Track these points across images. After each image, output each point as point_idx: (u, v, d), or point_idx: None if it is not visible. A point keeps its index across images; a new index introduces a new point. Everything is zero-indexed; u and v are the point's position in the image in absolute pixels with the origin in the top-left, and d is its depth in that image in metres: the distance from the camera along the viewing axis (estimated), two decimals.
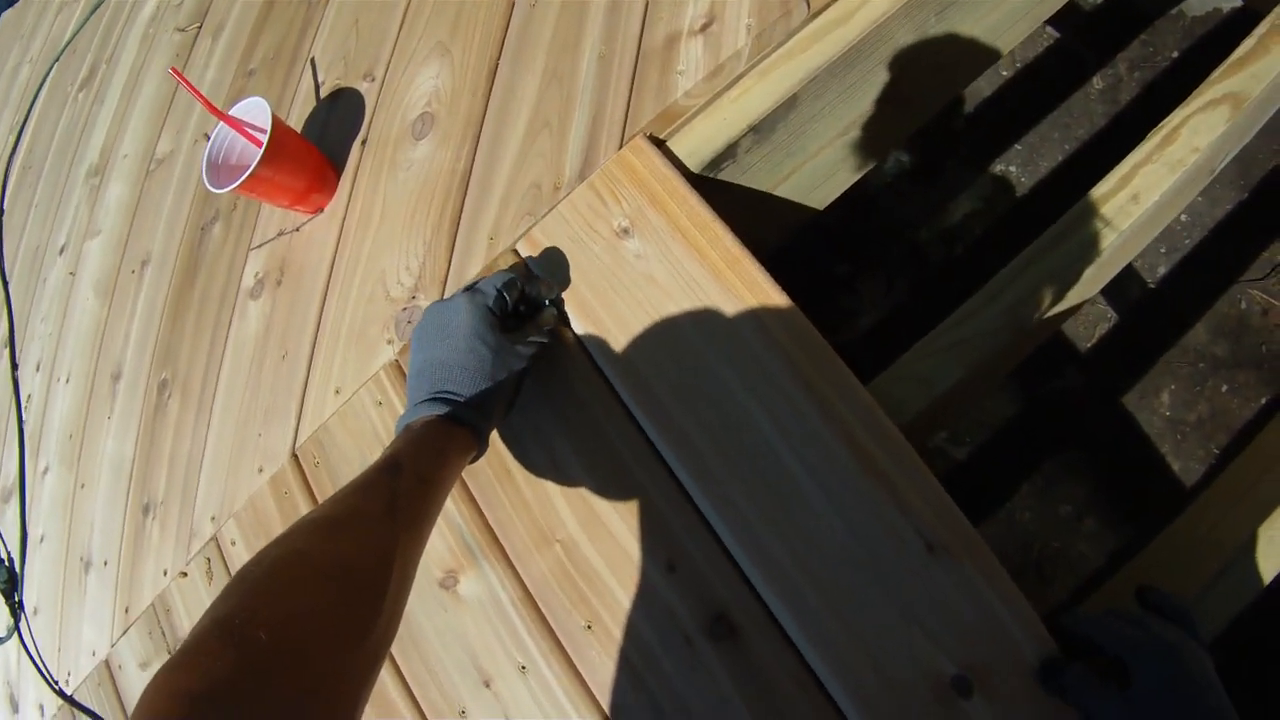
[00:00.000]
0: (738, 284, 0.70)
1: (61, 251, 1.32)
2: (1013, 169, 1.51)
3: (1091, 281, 0.72)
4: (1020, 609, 0.57)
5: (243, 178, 0.84)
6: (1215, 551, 0.73)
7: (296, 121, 1.00)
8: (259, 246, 0.96)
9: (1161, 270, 1.37)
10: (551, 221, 0.77)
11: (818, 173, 0.90)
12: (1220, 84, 0.72)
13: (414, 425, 0.59)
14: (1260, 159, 1.34)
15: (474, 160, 0.84)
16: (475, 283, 0.68)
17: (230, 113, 0.90)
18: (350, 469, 0.80)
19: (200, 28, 1.21)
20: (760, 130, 0.78)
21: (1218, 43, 1.42)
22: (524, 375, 0.66)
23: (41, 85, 1.55)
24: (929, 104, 0.93)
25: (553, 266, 0.75)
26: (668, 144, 0.79)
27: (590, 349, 0.72)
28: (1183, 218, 1.36)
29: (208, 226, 1.04)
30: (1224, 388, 1.30)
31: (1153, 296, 1.38)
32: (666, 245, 0.72)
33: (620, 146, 0.77)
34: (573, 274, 0.75)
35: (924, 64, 0.90)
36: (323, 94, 1.00)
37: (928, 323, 1.47)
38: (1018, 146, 1.52)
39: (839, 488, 0.61)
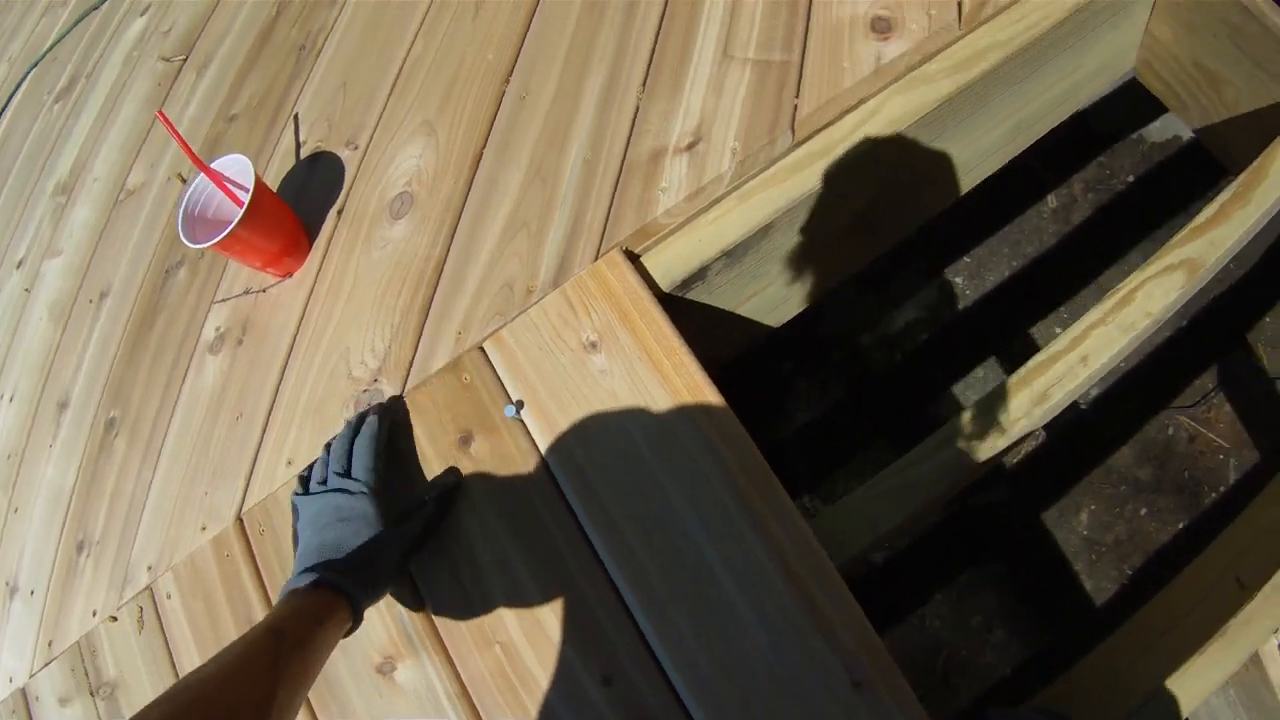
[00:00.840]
0: (699, 413, 0.68)
1: (19, 265, 1.25)
2: (959, 280, 1.50)
3: (1036, 425, 0.72)
4: None
5: (220, 236, 0.80)
6: (1124, 698, 0.74)
7: (274, 178, 0.96)
8: (223, 301, 0.92)
9: (1094, 392, 1.37)
10: (521, 326, 0.75)
11: (779, 294, 0.89)
12: (1180, 249, 0.72)
13: (299, 591, 0.60)
14: (1206, 287, 1.35)
15: (449, 250, 0.81)
16: (347, 467, 0.69)
17: (212, 165, 0.86)
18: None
19: (186, 60, 1.16)
20: (733, 255, 0.77)
21: (1173, 171, 1.43)
22: (410, 555, 0.67)
23: (17, 88, 1.47)
24: (897, 231, 0.92)
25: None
26: (643, 259, 0.77)
27: (547, 458, 0.70)
28: None
29: (172, 270, 0.99)
30: (1143, 511, 1.30)
31: (1082, 416, 1.37)
32: (632, 365, 0.70)
33: (596, 257, 0.75)
34: (538, 381, 0.72)
35: (898, 196, 0.89)
36: (303, 153, 0.96)
37: (863, 426, 1.45)
38: (966, 259, 1.51)
39: (775, 618, 0.61)
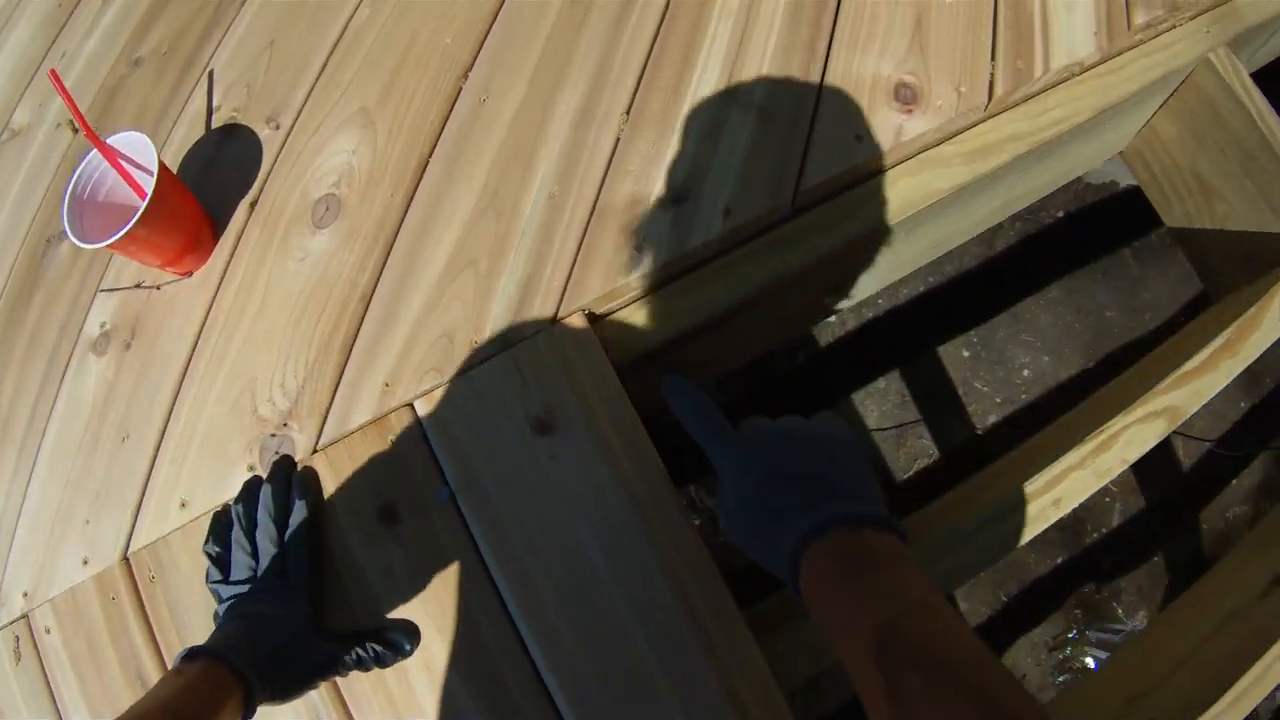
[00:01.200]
0: (655, 519, 0.60)
1: None
2: (879, 299, 1.45)
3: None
4: None
5: (114, 238, 0.65)
6: None
7: (178, 148, 0.79)
8: (110, 291, 0.77)
9: (992, 418, 1.35)
10: (461, 388, 0.64)
11: (736, 353, 0.81)
12: (1165, 396, 0.67)
13: (195, 664, 0.51)
14: (1114, 331, 1.33)
15: (380, 278, 0.69)
16: (280, 565, 0.60)
17: (109, 141, 0.70)
18: (191, 598, 0.67)
19: None
20: (706, 329, 0.68)
21: (1105, 214, 1.40)
22: (326, 678, 0.60)
23: None
24: (858, 293, 0.85)
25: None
26: (605, 322, 0.67)
27: (482, 550, 0.62)
28: (1025, 373, 1.35)
29: (55, 241, 0.82)
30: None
31: (977, 442, 1.35)
32: (586, 455, 0.62)
33: (555, 316, 0.65)
34: (477, 458, 0.63)
35: (872, 266, 0.81)
36: (214, 122, 0.79)
37: None
38: None
39: None
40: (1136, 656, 0.72)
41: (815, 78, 0.69)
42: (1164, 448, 1.31)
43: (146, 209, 0.65)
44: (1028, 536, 0.66)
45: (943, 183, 0.69)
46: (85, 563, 0.71)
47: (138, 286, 0.76)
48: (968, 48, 0.71)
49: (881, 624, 0.37)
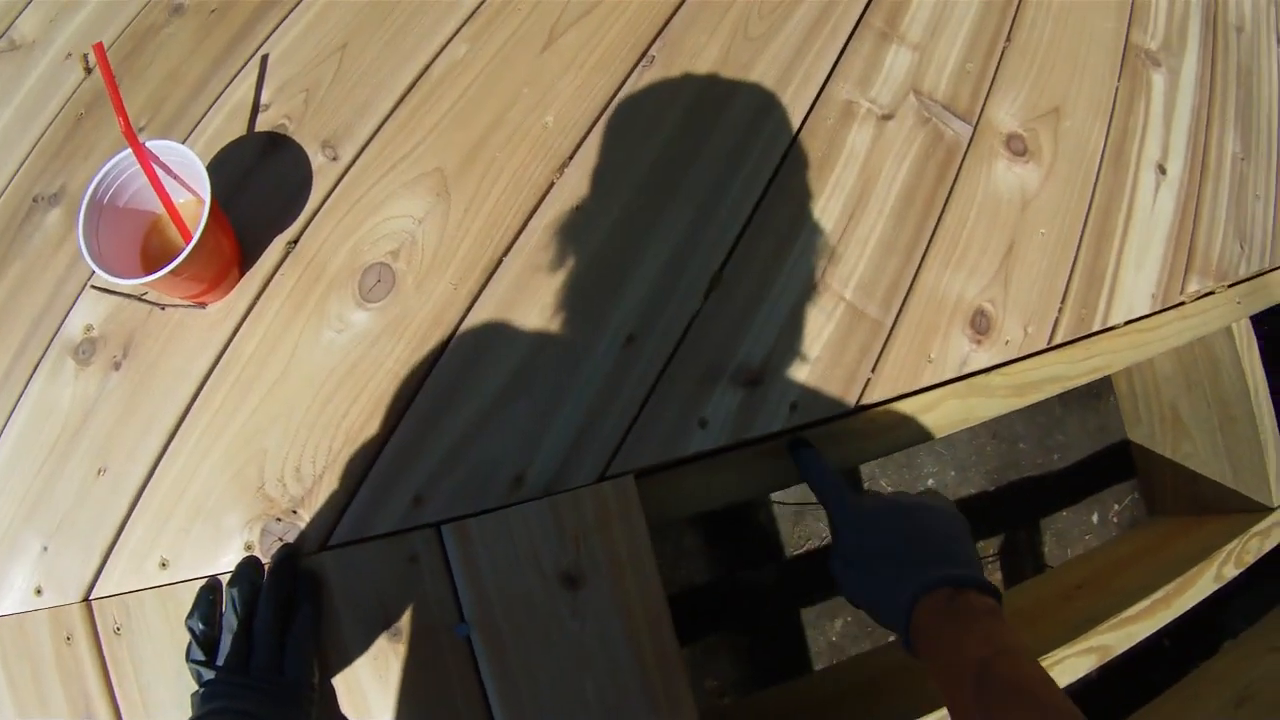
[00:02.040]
0: (658, 684, 0.61)
1: None
2: None
3: None
4: None
5: (154, 277, 0.54)
6: None
7: (211, 139, 0.66)
8: (103, 291, 0.65)
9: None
10: (494, 525, 0.60)
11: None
12: (1101, 635, 0.74)
13: None
14: (1021, 463, 1.43)
15: (427, 381, 0.62)
16: (278, 661, 0.55)
17: (149, 144, 0.57)
18: (161, 665, 0.60)
19: None
20: (739, 499, 0.67)
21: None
22: None
23: None
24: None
25: None
26: (649, 485, 0.64)
27: (489, 690, 0.59)
28: (930, 481, 1.42)
29: (43, 203, 0.67)
30: (891, 636, 1.39)
31: None
32: (608, 621, 0.60)
33: (604, 473, 0.61)
34: (496, 597, 0.60)
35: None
36: (259, 124, 0.66)
37: None
38: None
39: None
40: None
41: (906, 284, 0.67)
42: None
43: (191, 252, 0.55)
44: None
45: (984, 411, 0.69)
46: (38, 592, 0.63)
47: (139, 298, 0.64)
48: (1045, 287, 0.70)
49: (979, 664, 0.43)
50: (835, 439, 0.66)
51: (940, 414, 0.68)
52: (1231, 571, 0.80)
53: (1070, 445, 1.43)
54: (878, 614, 0.55)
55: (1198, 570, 0.77)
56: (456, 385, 0.62)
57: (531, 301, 0.63)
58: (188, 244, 0.55)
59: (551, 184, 0.65)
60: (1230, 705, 0.82)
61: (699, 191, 0.65)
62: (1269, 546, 0.81)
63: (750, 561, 1.36)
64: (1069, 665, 0.73)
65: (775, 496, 1.37)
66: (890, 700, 0.74)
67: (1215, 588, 0.79)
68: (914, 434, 0.68)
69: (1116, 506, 1.45)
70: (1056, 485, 1.43)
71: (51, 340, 0.65)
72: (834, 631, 1.39)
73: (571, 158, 0.65)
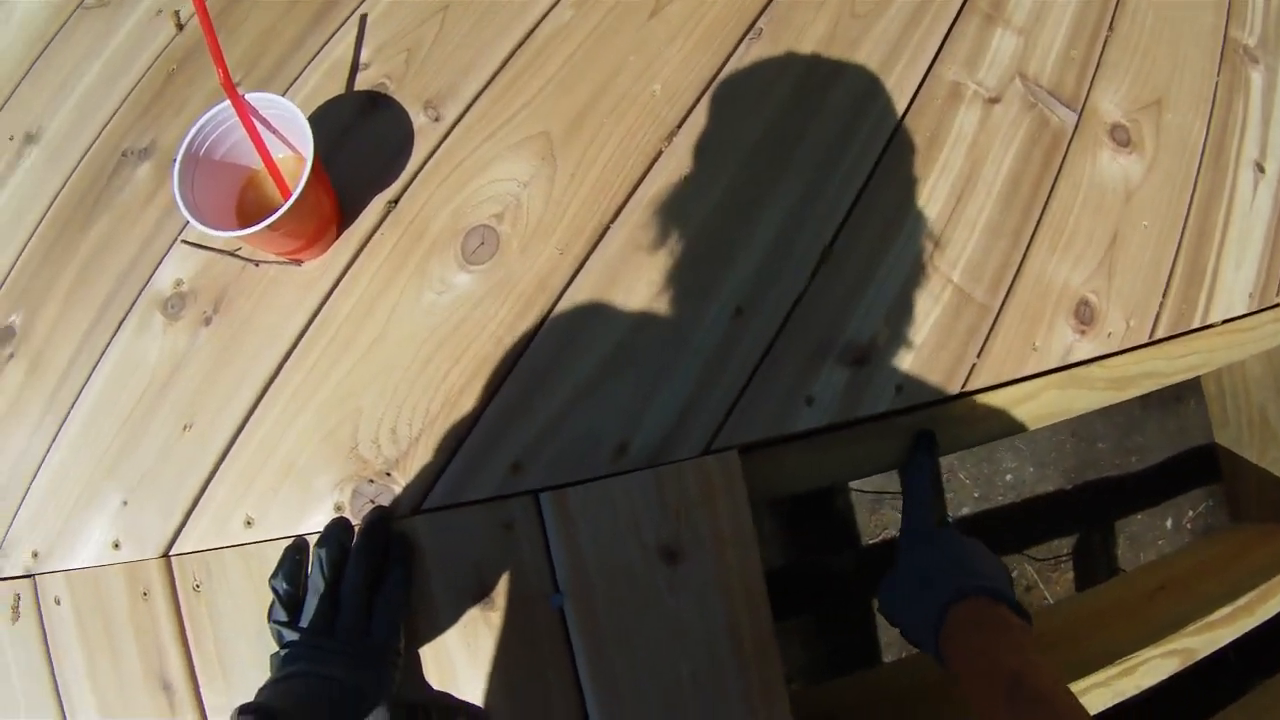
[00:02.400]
0: (753, 664, 0.58)
1: None
2: None
3: None
4: None
5: (252, 229, 0.52)
6: None
7: (309, 96, 0.64)
8: (195, 245, 0.63)
9: (965, 510, 1.40)
10: (596, 494, 0.58)
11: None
12: (1186, 639, 0.72)
13: None
14: (1100, 463, 1.41)
15: (531, 345, 0.60)
16: (364, 622, 0.53)
17: (249, 97, 0.55)
18: (241, 624, 0.58)
19: None
20: (841, 480, 0.65)
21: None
22: None
23: None
24: None
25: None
26: (755, 460, 0.62)
27: (579, 661, 0.57)
28: (1008, 477, 1.42)
29: (132, 157, 0.65)
30: None
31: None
32: (706, 595, 0.58)
33: (708, 446, 0.59)
34: (593, 568, 0.58)
35: None
36: (359, 83, 0.64)
37: None
38: None
39: None
40: None
41: (1013, 269, 0.65)
42: None
43: (290, 208, 0.53)
44: None
45: (1083, 403, 0.68)
46: (116, 546, 0.61)
47: (233, 254, 0.62)
48: (1148, 280, 0.69)
49: (1010, 673, 0.44)
50: (936, 424, 0.64)
51: (1040, 404, 0.66)
52: None
53: (1149, 448, 1.40)
54: (912, 625, 0.56)
55: None
56: (561, 352, 0.60)
57: (638, 270, 0.61)
58: (286, 200, 0.53)
59: (659, 152, 0.63)
60: None
61: (808, 165, 0.64)
62: None
63: (827, 548, 1.34)
64: (1152, 667, 0.71)
65: (854, 484, 1.35)
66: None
67: None
68: (1012, 424, 0.66)
69: (1191, 513, 1.43)
70: (1133, 487, 1.40)
71: (140, 293, 0.63)
72: None
73: (679, 127, 0.64)
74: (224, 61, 0.54)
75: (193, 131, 0.56)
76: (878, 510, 1.35)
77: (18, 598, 0.62)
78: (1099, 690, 0.70)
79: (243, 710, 0.45)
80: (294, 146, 0.60)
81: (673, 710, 0.58)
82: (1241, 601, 0.73)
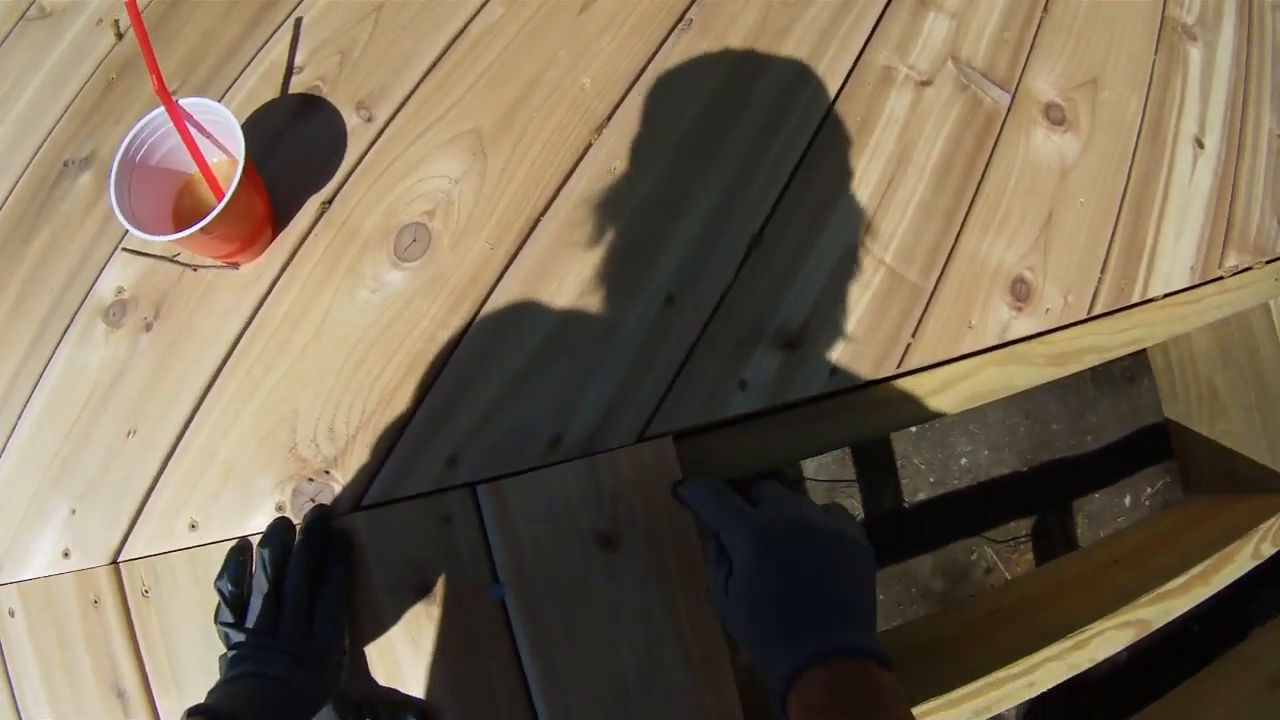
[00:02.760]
0: (693, 647, 0.59)
1: None
2: None
3: None
4: None
5: (186, 233, 0.53)
6: None
7: (245, 100, 0.64)
8: (135, 254, 0.63)
9: (921, 495, 1.40)
10: (530, 485, 0.58)
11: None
12: (1139, 610, 0.71)
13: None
14: (1055, 444, 1.41)
15: (463, 341, 0.60)
16: (305, 627, 0.52)
17: (182, 102, 0.55)
18: (190, 628, 0.59)
19: None
20: (777, 463, 0.65)
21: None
22: None
23: None
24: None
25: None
26: (688, 447, 0.62)
27: (522, 653, 0.57)
28: (963, 461, 1.41)
29: (74, 167, 0.66)
30: (923, 616, 1.39)
31: (902, 515, 1.38)
32: (645, 580, 0.58)
33: (642, 434, 0.60)
34: (533, 562, 0.58)
35: None
36: (293, 85, 0.65)
37: None
38: None
39: None
40: None
41: (946, 250, 0.65)
42: None
43: (223, 211, 0.53)
44: (996, 710, 0.70)
45: (1023, 380, 0.67)
46: (66, 555, 0.61)
47: (171, 259, 0.63)
48: (1084, 257, 0.68)
49: None
50: (874, 405, 0.64)
51: (980, 381, 0.66)
52: (1269, 549, 0.77)
53: (1104, 427, 1.41)
54: (752, 653, 0.45)
55: (1235, 547, 0.74)
56: (493, 345, 0.60)
57: (569, 262, 0.61)
58: (220, 202, 0.54)
59: (589, 145, 0.63)
60: (1264, 686, 0.80)
61: (737, 154, 0.64)
62: None
63: None
64: (1107, 639, 0.71)
65: (808, 474, 1.35)
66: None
67: (1253, 564, 0.77)
68: (953, 401, 0.66)
69: (1149, 490, 1.43)
70: (1090, 467, 1.40)
71: (82, 303, 0.64)
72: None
73: (609, 119, 0.64)
74: (158, 68, 0.54)
75: (128, 138, 0.56)
76: (833, 498, 1.35)
77: None
78: (1053, 664, 0.70)
79: (191, 712, 0.46)
80: (228, 150, 0.60)
81: (618, 695, 0.58)
82: (1195, 571, 0.73)
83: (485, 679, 0.58)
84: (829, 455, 1.36)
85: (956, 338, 0.64)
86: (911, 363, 0.63)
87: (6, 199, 0.67)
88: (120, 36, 0.68)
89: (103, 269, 0.64)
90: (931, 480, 1.38)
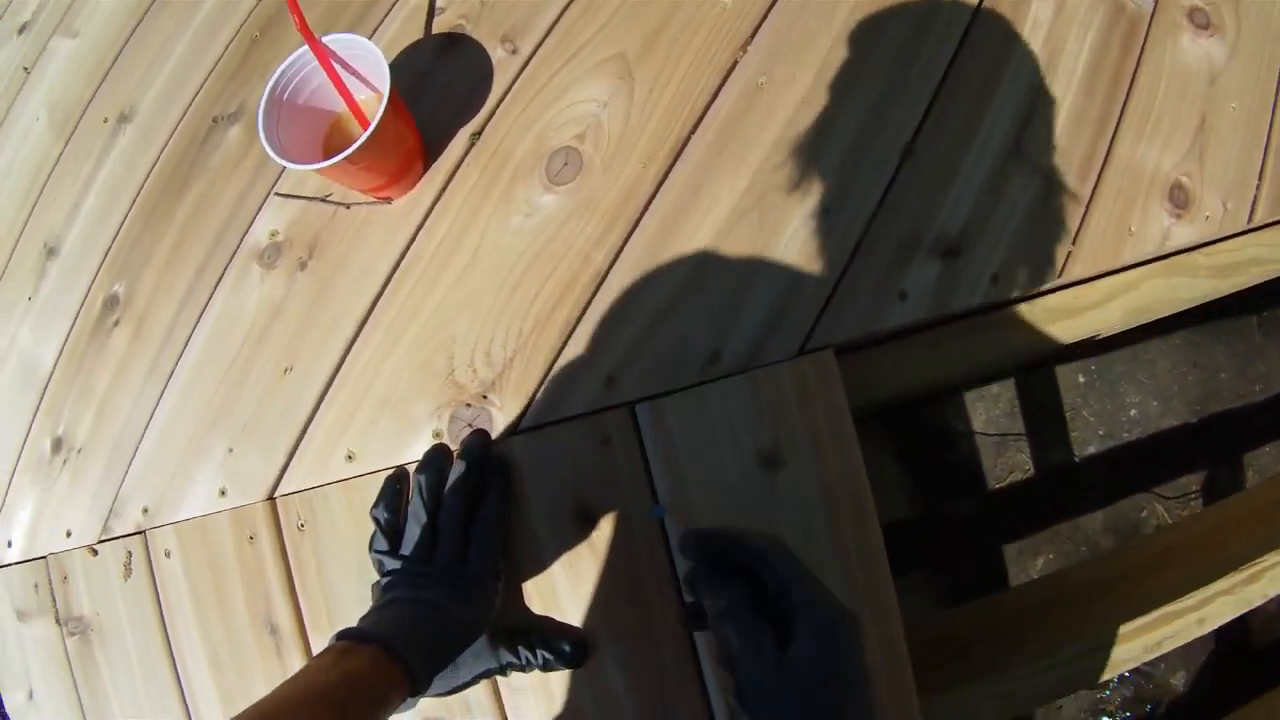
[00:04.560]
0: (857, 570, 0.55)
1: (22, 31, 0.81)
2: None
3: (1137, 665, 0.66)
4: None
5: (332, 161, 0.52)
6: None
7: (389, 44, 0.64)
8: (288, 197, 0.63)
9: (1091, 449, 1.31)
10: (690, 402, 0.55)
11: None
12: None
13: (361, 650, 0.43)
14: (1223, 394, 1.31)
15: (618, 260, 0.58)
16: (461, 552, 0.50)
17: (327, 41, 0.55)
18: (346, 557, 0.57)
19: None
20: (940, 382, 0.62)
21: None
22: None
23: None
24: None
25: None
26: (851, 361, 0.59)
27: (679, 568, 0.55)
28: (1132, 412, 1.33)
29: (223, 122, 0.66)
30: (1090, 558, 1.26)
31: (1072, 470, 1.30)
32: (805, 491, 0.55)
33: (803, 347, 0.57)
34: (694, 474, 0.55)
35: None
36: (436, 27, 0.65)
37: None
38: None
39: None
40: None
41: (1101, 156, 0.61)
42: None
43: (368, 139, 0.53)
44: (1167, 648, 0.65)
45: (1188, 293, 0.63)
46: (222, 493, 0.60)
47: (324, 200, 0.62)
48: (1241, 163, 0.64)
49: None
50: (1039, 318, 0.60)
51: (1143, 294, 0.62)
52: None
53: (1272, 376, 1.30)
54: None
55: None
56: (646, 264, 0.58)
57: (721, 179, 0.59)
58: (364, 132, 0.53)
59: (734, 63, 0.61)
60: None
61: (883, 69, 0.61)
62: None
63: (952, 494, 1.27)
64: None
65: (977, 428, 1.30)
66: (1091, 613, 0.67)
67: None
68: (1118, 315, 0.61)
69: None
70: (1259, 418, 1.31)
71: (237, 248, 0.64)
72: (1035, 569, 1.27)
73: (752, 37, 0.62)
74: (298, 7, 0.54)
75: (275, 76, 0.56)
76: (1003, 453, 1.28)
77: (129, 554, 0.62)
78: (1224, 599, 0.64)
79: (340, 635, 0.44)
80: (375, 86, 0.60)
81: None
82: None
83: (645, 607, 0.55)
84: (998, 408, 1.29)
85: (1117, 246, 0.60)
86: (1074, 272, 0.59)
87: (158, 160, 0.68)
88: None
89: (256, 214, 0.64)
90: (1101, 433, 1.29)
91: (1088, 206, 0.60)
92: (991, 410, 1.31)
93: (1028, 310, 0.60)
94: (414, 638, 0.45)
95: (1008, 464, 1.29)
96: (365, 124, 0.59)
